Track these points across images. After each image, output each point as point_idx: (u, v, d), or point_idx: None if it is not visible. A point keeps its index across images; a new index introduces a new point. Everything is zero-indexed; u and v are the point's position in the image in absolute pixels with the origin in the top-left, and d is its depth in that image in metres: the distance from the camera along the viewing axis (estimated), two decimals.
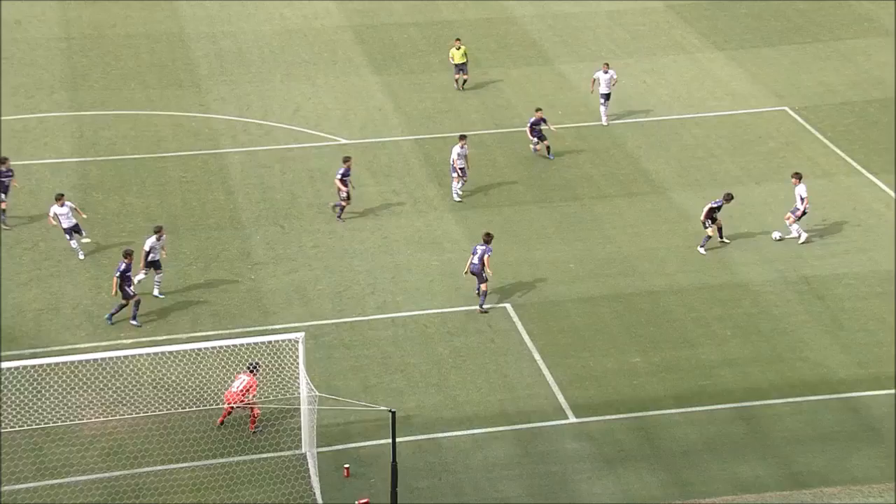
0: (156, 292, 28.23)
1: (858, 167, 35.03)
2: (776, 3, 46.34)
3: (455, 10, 45.44)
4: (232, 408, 23.72)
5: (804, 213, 30.83)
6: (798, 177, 31.03)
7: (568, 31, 43.87)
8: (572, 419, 24.91)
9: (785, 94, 39.40)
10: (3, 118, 36.79)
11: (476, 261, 27.89)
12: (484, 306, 27.94)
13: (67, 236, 29.60)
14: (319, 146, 35.92)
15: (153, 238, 28.13)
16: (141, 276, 28.18)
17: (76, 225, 29.67)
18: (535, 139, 34.84)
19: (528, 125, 34.85)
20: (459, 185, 32.78)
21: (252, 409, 23.63)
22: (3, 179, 30.70)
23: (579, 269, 30.09)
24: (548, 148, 34.92)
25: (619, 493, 23.01)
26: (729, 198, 30.63)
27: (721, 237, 30.75)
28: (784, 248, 30.89)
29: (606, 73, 36.63)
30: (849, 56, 41.93)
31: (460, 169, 32.45)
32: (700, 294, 29.00)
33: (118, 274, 26.87)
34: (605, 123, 36.97)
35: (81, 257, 29.39)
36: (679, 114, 38.23)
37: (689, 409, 25.21)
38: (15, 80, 39.15)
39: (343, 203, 31.50)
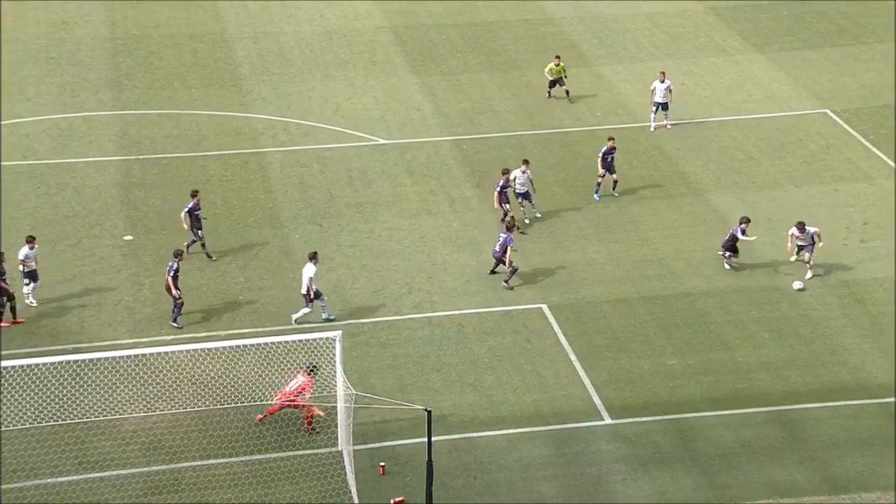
0: (29, 300, 27.53)
1: None
2: (819, 4, 45.87)
3: (495, 10, 45.42)
4: (280, 406, 23.79)
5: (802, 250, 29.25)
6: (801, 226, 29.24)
7: (607, 33, 43.70)
8: (608, 420, 24.83)
9: (826, 97, 39.00)
10: (50, 116, 37.27)
11: (497, 248, 28.40)
12: (509, 282, 28.52)
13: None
14: (358, 146, 36.06)
15: (26, 248, 27.50)
16: (28, 289, 27.52)
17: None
18: (604, 171, 32.58)
19: (600, 155, 32.67)
20: (525, 210, 31.32)
21: (309, 409, 23.59)
22: (196, 213, 29.50)
23: (616, 271, 29.97)
24: (614, 182, 32.74)
25: (655, 494, 22.90)
26: (746, 220, 29.49)
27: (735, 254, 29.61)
28: (824, 252, 30.57)
29: (663, 82, 36.23)
30: (892, 58, 41.41)
31: (522, 194, 31.07)
32: (737, 296, 28.78)
33: (172, 274, 26.92)
34: (651, 129, 36.32)
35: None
36: (718, 116, 37.95)
37: (726, 412, 25.03)
38: (61, 79, 39.65)
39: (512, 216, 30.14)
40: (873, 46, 42.41)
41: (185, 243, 29.76)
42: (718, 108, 38.46)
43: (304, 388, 23.56)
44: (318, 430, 23.70)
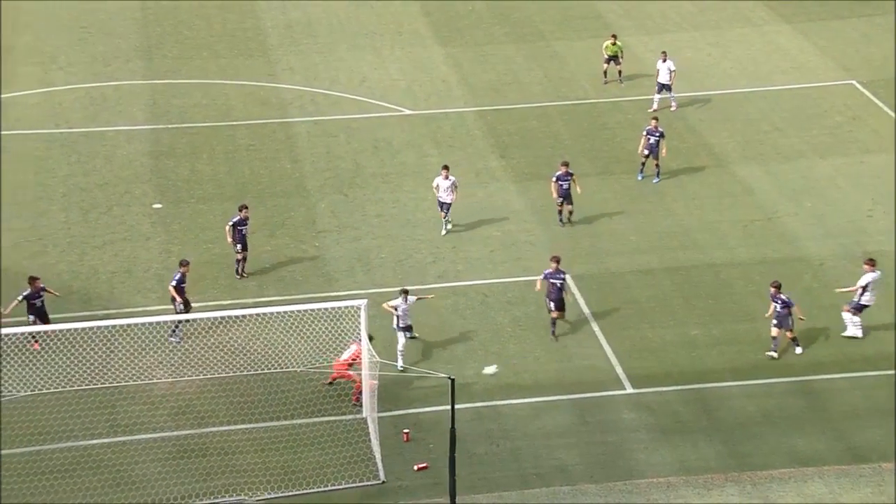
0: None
1: None
2: None
3: None
4: (338, 376, 23.65)
5: (863, 305, 25.77)
6: (871, 263, 25.78)
7: (633, 4, 43.15)
8: (630, 390, 24.72)
9: (853, 68, 38.39)
10: (82, 85, 37.32)
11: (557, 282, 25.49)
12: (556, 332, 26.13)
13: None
14: (384, 116, 35.89)
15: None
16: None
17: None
18: (647, 151, 31.49)
19: (644, 133, 31.54)
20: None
21: (359, 383, 23.46)
22: (241, 228, 27.55)
23: (640, 242, 29.75)
24: (657, 168, 31.62)
25: (676, 463, 22.82)
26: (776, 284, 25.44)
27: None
28: (847, 223, 30.20)
29: (665, 62, 35.49)
30: None
31: (446, 204, 29.28)
32: (761, 268, 28.50)
33: (174, 283, 25.39)
34: (650, 109, 35.09)
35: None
36: (744, 87, 37.47)
37: (748, 382, 24.87)
38: (93, 49, 39.67)
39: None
40: None
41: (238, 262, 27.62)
42: (744, 79, 37.96)
43: (356, 357, 23.46)
44: (358, 404, 23.68)
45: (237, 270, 27.85)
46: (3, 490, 21.63)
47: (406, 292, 25.01)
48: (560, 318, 25.97)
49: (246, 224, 27.78)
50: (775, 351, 25.35)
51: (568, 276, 26.56)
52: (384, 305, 24.94)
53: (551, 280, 25.64)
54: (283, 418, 23.46)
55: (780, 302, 25.11)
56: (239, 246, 27.72)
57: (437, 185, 29.43)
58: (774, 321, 25.23)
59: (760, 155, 33.74)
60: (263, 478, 22.11)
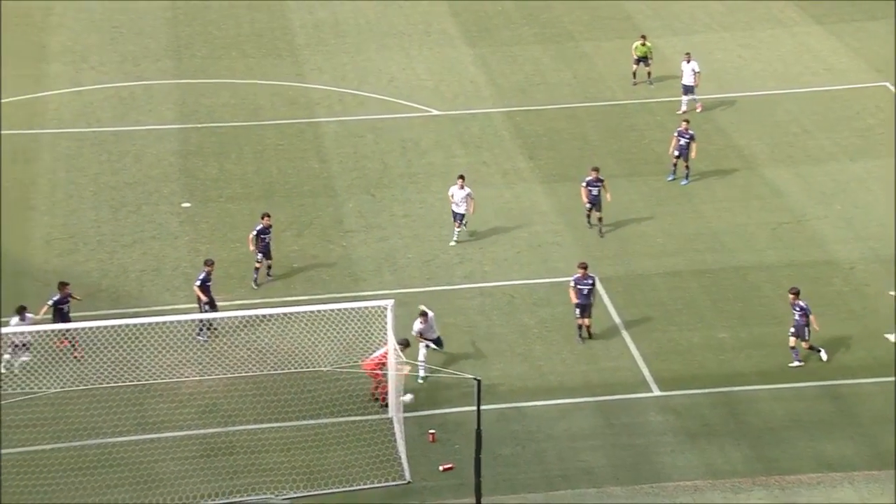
0: (14, 367, 24.11)
1: None
2: None
3: None
4: (370, 374, 23.58)
5: None
6: None
7: (662, 4, 42.96)
8: (656, 392, 24.62)
9: (885, 69, 38.03)
10: (112, 85, 37.58)
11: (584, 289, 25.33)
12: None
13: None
14: (412, 117, 35.92)
15: (16, 318, 24.05)
16: (6, 356, 24.02)
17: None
18: (678, 153, 31.36)
19: (675, 135, 31.43)
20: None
21: (385, 386, 23.42)
22: (264, 237, 27.34)
23: (667, 244, 29.61)
24: (686, 171, 31.47)
25: (703, 466, 22.69)
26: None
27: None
28: (878, 226, 29.92)
29: (689, 62, 35.30)
30: None
31: (460, 215, 29.00)
32: (789, 271, 28.29)
33: (199, 283, 25.51)
34: (679, 112, 34.88)
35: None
36: (774, 89, 37.22)
37: (776, 386, 24.69)
38: (123, 48, 39.96)
39: None
40: None
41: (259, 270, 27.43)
42: (774, 80, 37.71)
43: (383, 360, 23.42)
44: (385, 406, 23.71)
45: (255, 280, 27.65)
46: (30, 486, 21.80)
47: (425, 314, 24.66)
48: (586, 325, 25.75)
49: (269, 232, 27.58)
50: (798, 359, 25.11)
51: (598, 282, 26.30)
52: (415, 336, 24.56)
53: (578, 286, 25.52)
54: (310, 417, 23.52)
55: (798, 309, 24.85)
56: (260, 255, 27.51)
57: (452, 195, 29.09)
58: (792, 329, 24.97)
59: (790, 157, 33.50)
60: (289, 477, 22.18)
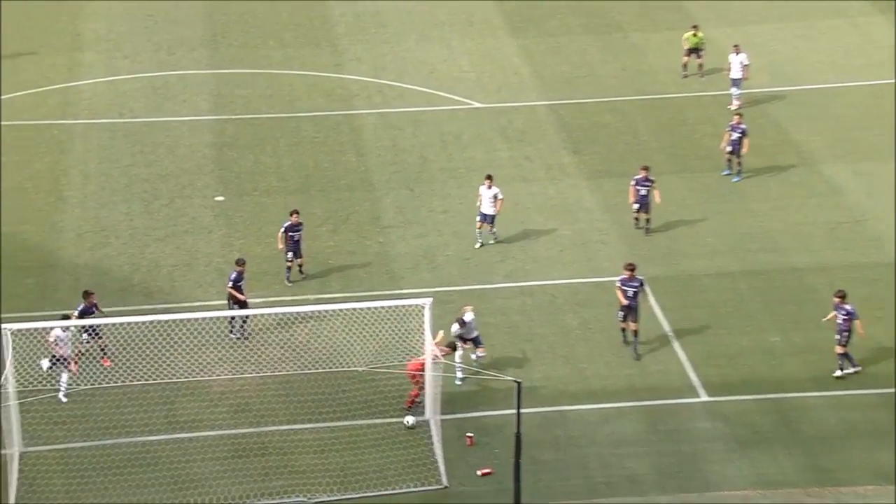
0: (60, 395, 23.94)
1: None
2: None
3: None
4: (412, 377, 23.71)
5: None
6: None
7: None
8: (704, 398, 24.53)
9: None
10: (146, 74, 38.05)
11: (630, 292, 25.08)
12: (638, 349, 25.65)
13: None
14: (453, 109, 36.03)
15: (58, 330, 23.66)
16: (45, 363, 23.76)
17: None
18: (730, 147, 31.35)
19: (728, 129, 31.44)
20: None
21: (415, 391, 23.56)
22: (292, 234, 27.39)
23: (718, 243, 29.47)
24: (738, 167, 31.39)
25: (753, 475, 22.60)
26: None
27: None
28: None
29: (737, 55, 35.03)
30: None
31: (487, 216, 28.95)
32: (847, 273, 28.06)
33: (231, 284, 25.62)
34: (730, 107, 34.71)
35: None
36: (833, 82, 36.90)
37: (830, 393, 24.52)
38: (158, 37, 40.45)
39: None
40: None
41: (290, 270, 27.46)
42: (833, 72, 37.37)
43: (422, 365, 23.54)
44: (413, 409, 23.86)
45: (287, 277, 27.82)
46: (59, 485, 22.17)
47: (462, 322, 24.59)
48: (630, 329, 25.61)
49: (298, 230, 27.65)
50: (854, 366, 24.90)
51: (646, 285, 26.11)
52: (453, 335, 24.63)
53: (623, 287, 25.47)
54: (344, 419, 23.70)
55: (843, 312, 24.60)
56: (290, 253, 27.60)
57: (480, 196, 28.96)
58: (837, 336, 24.72)
59: (849, 154, 33.20)
60: (323, 479, 22.38)
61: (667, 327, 26.52)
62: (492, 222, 29.03)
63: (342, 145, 34.24)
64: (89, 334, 24.53)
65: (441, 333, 24.38)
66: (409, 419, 23.37)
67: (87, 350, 24.60)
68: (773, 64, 37.73)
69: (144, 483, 22.22)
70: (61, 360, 23.92)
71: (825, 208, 30.73)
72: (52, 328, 23.56)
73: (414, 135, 34.71)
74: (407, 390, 24.20)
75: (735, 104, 35.16)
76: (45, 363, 24.04)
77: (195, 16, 41.89)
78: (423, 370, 23.56)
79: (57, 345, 23.76)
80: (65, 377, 23.92)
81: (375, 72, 38.12)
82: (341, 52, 39.36)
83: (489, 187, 28.85)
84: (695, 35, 36.95)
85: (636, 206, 29.40)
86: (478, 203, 29.17)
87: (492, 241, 29.23)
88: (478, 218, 29.12)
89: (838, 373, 24.84)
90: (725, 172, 31.99)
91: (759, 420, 23.92)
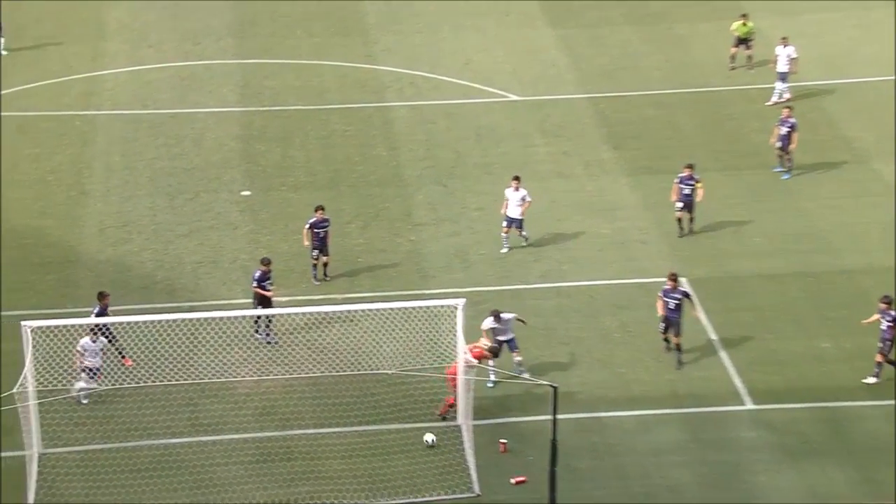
0: (84, 400, 24.00)
1: None
2: None
3: None
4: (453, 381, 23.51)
5: None
6: None
7: None
8: (750, 405, 24.26)
9: None
10: (171, 64, 38.19)
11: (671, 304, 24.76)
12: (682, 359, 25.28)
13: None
14: (488, 102, 35.89)
15: (86, 339, 23.61)
16: (81, 384, 23.77)
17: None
18: (779, 143, 31.03)
19: (777, 123, 31.17)
20: (508, 238, 28.80)
21: (450, 399, 23.42)
22: (318, 231, 27.27)
23: (766, 244, 29.17)
24: (788, 163, 31.08)
25: (802, 488, 22.31)
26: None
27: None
28: None
29: (785, 47, 34.55)
30: None
31: (513, 221, 28.56)
32: None
33: (255, 283, 25.53)
34: (768, 103, 34.37)
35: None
36: (890, 75, 36.43)
37: (885, 402, 24.19)
38: (183, 25, 40.58)
39: None
40: None
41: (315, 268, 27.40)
42: (891, 65, 36.85)
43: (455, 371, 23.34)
44: (447, 417, 23.71)
45: (314, 275, 27.76)
46: (79, 488, 22.24)
47: (497, 315, 24.35)
48: (675, 342, 25.11)
49: (324, 226, 27.52)
50: (876, 377, 24.43)
51: (692, 296, 25.59)
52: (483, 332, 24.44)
53: (665, 298, 25.11)
54: (373, 423, 23.62)
55: (888, 318, 24.20)
56: (316, 251, 27.51)
57: (507, 198, 28.58)
58: (880, 344, 24.30)
59: None
60: (350, 485, 22.32)
61: (711, 331, 26.24)
62: (520, 226, 28.71)
63: (373, 139, 34.18)
64: (106, 337, 24.39)
65: (485, 335, 24.20)
66: (429, 437, 23.04)
67: (107, 351, 24.57)
68: (826, 56, 37.29)
69: (166, 487, 22.25)
70: (89, 371, 23.74)
71: (879, 207, 30.34)
72: (81, 340, 23.48)
73: (448, 128, 34.59)
74: (440, 395, 24.04)
75: (773, 100, 34.76)
76: (80, 385, 23.77)
77: (222, 4, 42.00)
78: (453, 377, 23.37)
79: (84, 355, 23.63)
80: (82, 384, 23.79)
81: (408, 63, 38.04)
82: (373, 42, 39.31)
83: (516, 189, 28.57)
84: (744, 25, 36.56)
85: (679, 204, 29.10)
86: (503, 208, 28.74)
87: (523, 245, 28.92)
88: (503, 223, 28.75)
89: (870, 380, 24.38)
90: (777, 169, 31.65)
91: (808, 429, 23.61)
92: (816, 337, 26.06)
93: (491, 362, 24.53)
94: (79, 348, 23.62)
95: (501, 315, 24.67)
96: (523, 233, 28.89)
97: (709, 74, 36.93)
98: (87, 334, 23.76)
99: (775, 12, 40.25)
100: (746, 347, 25.80)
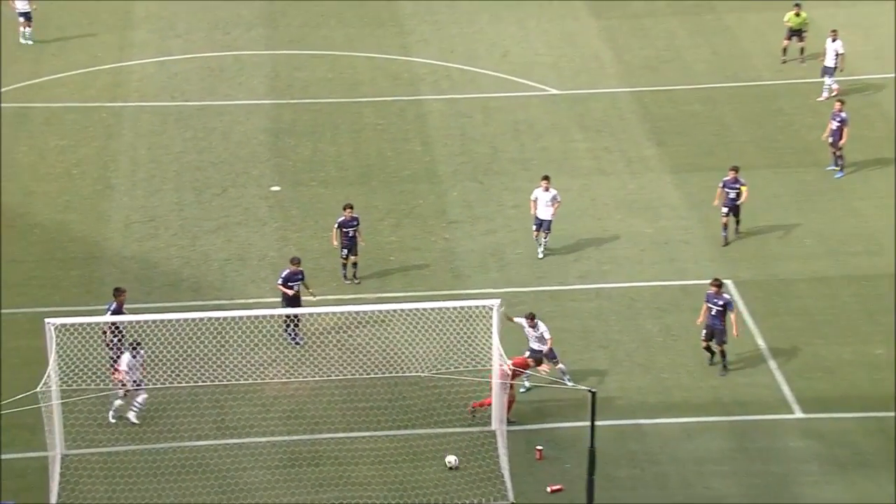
0: (131, 416, 23.87)
1: None
2: None
3: None
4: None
5: None
6: None
7: None
8: (798, 414, 24.20)
9: None
10: (200, 55, 38.49)
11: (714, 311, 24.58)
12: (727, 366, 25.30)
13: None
14: (527, 96, 35.95)
15: (127, 356, 23.57)
16: (118, 402, 23.74)
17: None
18: (831, 138, 31.00)
19: (831, 116, 31.02)
20: (539, 239, 28.65)
21: (486, 399, 23.48)
22: (346, 230, 27.40)
23: (816, 245, 29.04)
24: (838, 160, 30.93)
25: (852, 501, 22.25)
26: None
27: None
28: None
29: (834, 41, 34.37)
30: None
31: (543, 223, 28.43)
32: None
33: (281, 281, 25.72)
34: (820, 99, 34.33)
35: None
36: None
37: None
38: (213, 14, 40.92)
39: None
40: None
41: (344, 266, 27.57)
42: None
43: (517, 367, 23.19)
44: (476, 416, 23.83)
45: (344, 274, 27.92)
46: (102, 490, 22.52)
47: (532, 318, 24.18)
48: (719, 351, 25.02)
49: (353, 225, 27.61)
50: None
51: (735, 305, 25.55)
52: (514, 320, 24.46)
53: (708, 304, 24.98)
54: (404, 427, 23.76)
55: None
56: (345, 251, 27.64)
57: (536, 199, 28.44)
58: None
59: None
60: (380, 491, 22.46)
61: (757, 337, 26.18)
62: (548, 228, 28.56)
63: (407, 133, 34.33)
64: (116, 336, 24.34)
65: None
66: (452, 458, 22.80)
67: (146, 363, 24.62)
68: (883, 48, 37.02)
69: (191, 490, 22.48)
70: (134, 384, 23.67)
71: None
72: (122, 356, 23.49)
73: (484, 123, 34.68)
74: (475, 399, 24.10)
75: (825, 95, 34.55)
76: (117, 403, 23.72)
77: None
78: (513, 375, 23.18)
79: (130, 373, 23.54)
80: (142, 397, 23.74)
81: (444, 54, 38.17)
82: (407, 33, 39.46)
83: (546, 189, 28.43)
84: (797, 15, 36.37)
85: (725, 209, 28.90)
86: (532, 210, 28.57)
87: (540, 256, 28.57)
88: (533, 226, 28.66)
89: None
90: (831, 167, 31.49)
91: (860, 440, 23.52)
92: (868, 343, 25.94)
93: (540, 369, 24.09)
94: (122, 368, 23.40)
95: (539, 326, 24.27)
96: (547, 238, 28.53)
97: (758, 67, 36.79)
98: (116, 344, 23.36)
99: (830, 2, 40.01)
100: (795, 353, 25.72)
